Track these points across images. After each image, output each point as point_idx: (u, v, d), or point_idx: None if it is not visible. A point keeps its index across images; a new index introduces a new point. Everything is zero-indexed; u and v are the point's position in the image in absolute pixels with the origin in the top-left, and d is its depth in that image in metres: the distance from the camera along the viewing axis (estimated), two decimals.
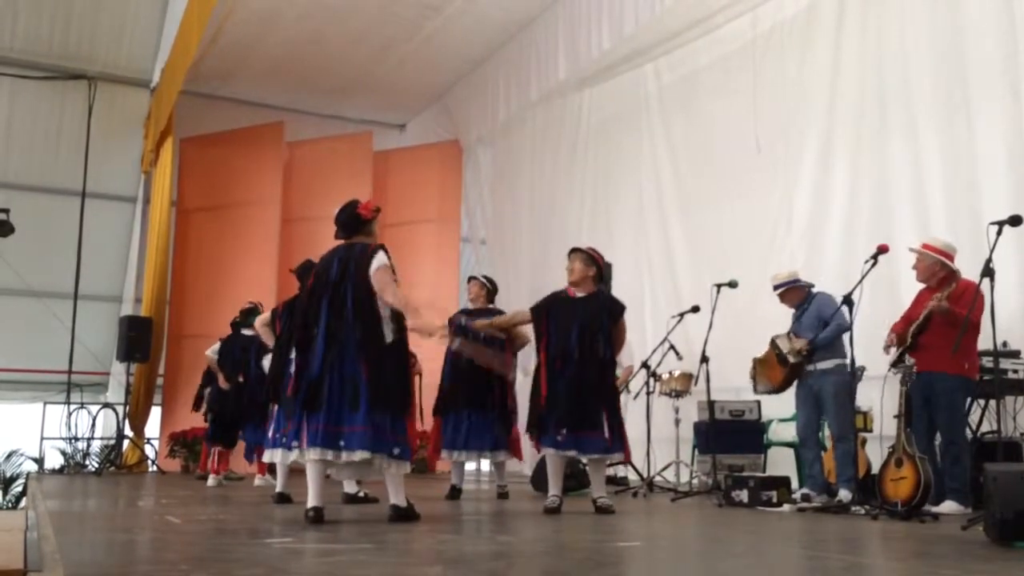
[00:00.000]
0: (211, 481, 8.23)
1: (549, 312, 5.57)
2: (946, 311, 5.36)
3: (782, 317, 6.50)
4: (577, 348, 5.36)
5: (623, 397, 7.89)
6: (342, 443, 4.42)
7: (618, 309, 5.61)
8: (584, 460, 5.70)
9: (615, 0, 9.29)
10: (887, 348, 5.76)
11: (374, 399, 4.43)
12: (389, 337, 4.61)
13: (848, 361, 5.69)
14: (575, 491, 6.62)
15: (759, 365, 6.39)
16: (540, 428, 5.43)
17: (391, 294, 4.60)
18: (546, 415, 5.38)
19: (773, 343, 6.22)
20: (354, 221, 4.86)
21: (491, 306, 6.84)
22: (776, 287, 6.39)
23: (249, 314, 8.40)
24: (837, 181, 7.87)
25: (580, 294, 5.55)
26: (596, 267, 5.61)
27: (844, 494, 5.84)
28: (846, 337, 5.81)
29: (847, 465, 5.92)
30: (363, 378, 4.46)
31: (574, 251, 5.66)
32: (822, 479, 6.13)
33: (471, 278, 7.10)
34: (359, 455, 4.41)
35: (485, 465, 9.82)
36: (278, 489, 6.05)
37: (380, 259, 4.65)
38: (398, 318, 4.66)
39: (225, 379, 8.61)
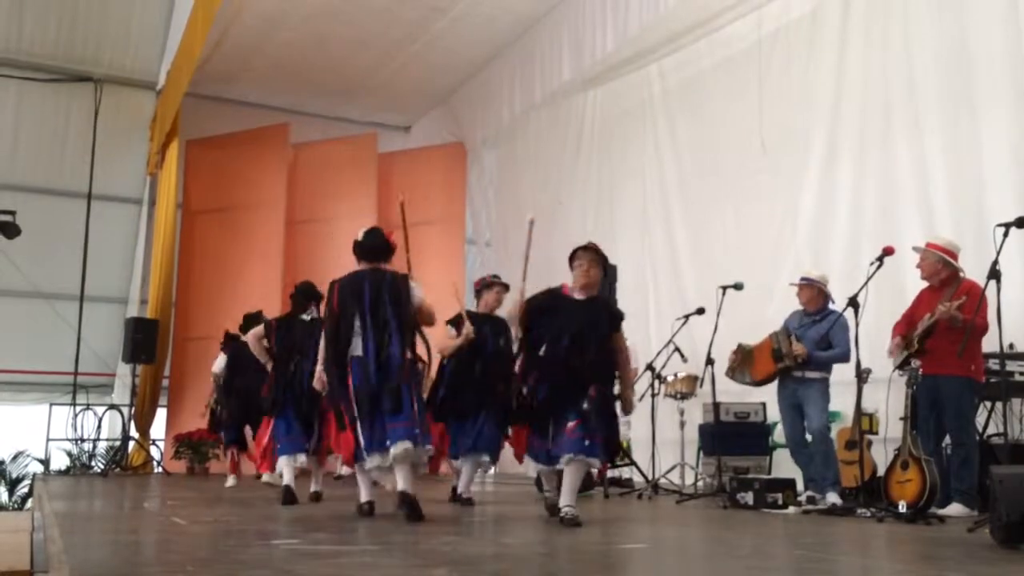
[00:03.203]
0: (230, 482, 8.30)
1: (547, 311, 5.01)
2: (954, 319, 5.34)
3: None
4: (566, 352, 4.85)
5: None
6: (388, 442, 4.65)
7: (618, 317, 5.10)
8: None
9: (619, 1, 9.28)
10: (891, 354, 5.75)
11: (411, 402, 4.77)
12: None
13: (830, 377, 6.10)
14: (579, 493, 6.59)
15: (748, 354, 6.33)
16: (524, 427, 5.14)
17: (429, 328, 5.04)
18: (529, 418, 4.98)
19: (774, 337, 6.20)
20: (384, 248, 5.11)
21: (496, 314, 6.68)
22: (804, 280, 6.31)
23: (251, 320, 8.42)
24: (842, 183, 7.86)
25: (581, 296, 5.00)
26: (603, 270, 5.18)
27: (832, 497, 5.84)
28: (849, 341, 5.79)
29: (829, 468, 5.94)
30: (406, 389, 4.78)
31: (584, 249, 5.07)
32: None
33: (490, 284, 6.64)
34: (401, 446, 4.62)
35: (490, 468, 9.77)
36: (284, 482, 6.04)
37: (420, 292, 5.00)
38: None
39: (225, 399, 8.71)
